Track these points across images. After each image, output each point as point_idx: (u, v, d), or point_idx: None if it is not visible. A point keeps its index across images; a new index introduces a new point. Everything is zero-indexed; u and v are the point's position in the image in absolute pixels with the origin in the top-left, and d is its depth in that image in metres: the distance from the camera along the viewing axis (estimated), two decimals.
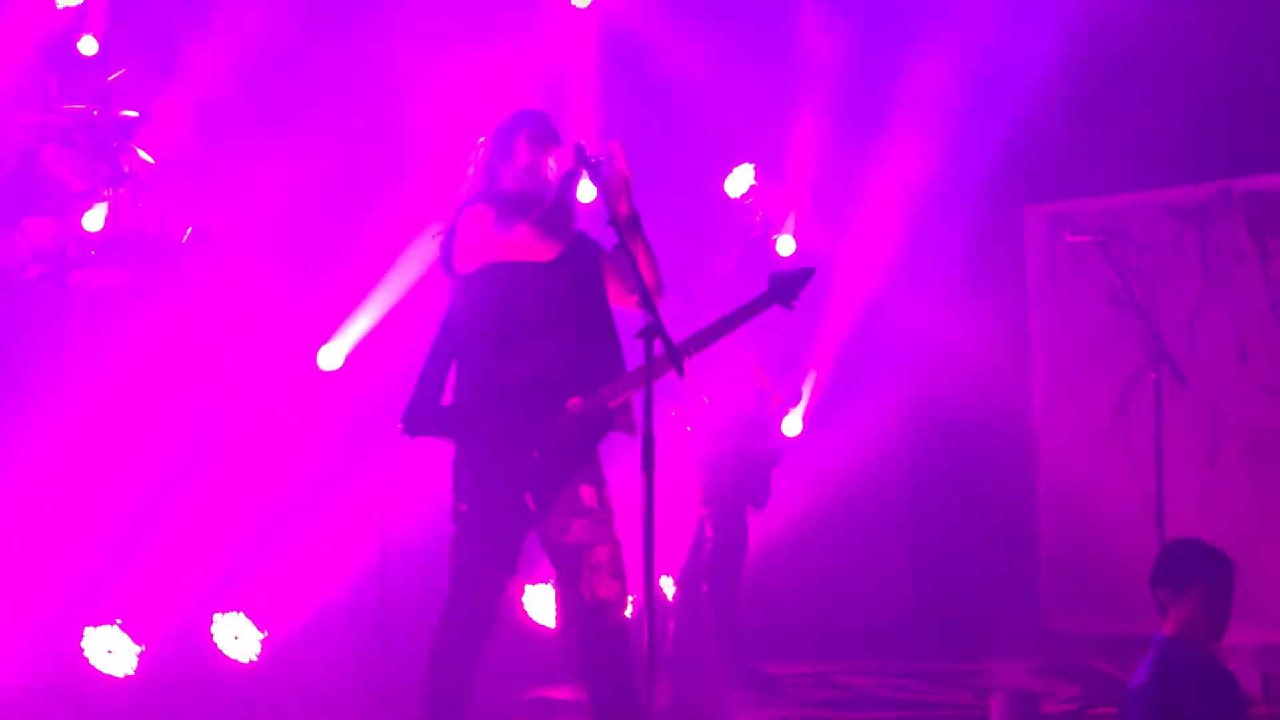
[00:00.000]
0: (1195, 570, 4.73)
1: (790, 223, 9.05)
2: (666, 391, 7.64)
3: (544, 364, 5.20)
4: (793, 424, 9.19)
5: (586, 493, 5.24)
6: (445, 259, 5.35)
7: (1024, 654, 7.94)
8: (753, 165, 8.86)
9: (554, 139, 5.42)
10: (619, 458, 5.57)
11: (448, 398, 5.30)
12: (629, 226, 5.19)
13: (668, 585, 8.69)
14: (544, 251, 5.19)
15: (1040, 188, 9.21)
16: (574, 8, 8.69)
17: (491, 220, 5.20)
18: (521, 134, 5.42)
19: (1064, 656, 7.99)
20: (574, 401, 5.19)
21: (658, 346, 4.83)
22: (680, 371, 4.89)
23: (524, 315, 5.21)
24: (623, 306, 5.44)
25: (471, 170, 5.47)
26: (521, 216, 5.18)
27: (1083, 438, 8.98)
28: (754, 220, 8.98)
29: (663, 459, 7.57)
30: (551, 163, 5.35)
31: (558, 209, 5.20)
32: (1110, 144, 8.96)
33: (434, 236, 5.46)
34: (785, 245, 9.05)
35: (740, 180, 8.80)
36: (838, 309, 9.23)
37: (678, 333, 5.18)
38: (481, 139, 5.50)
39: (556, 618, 5.19)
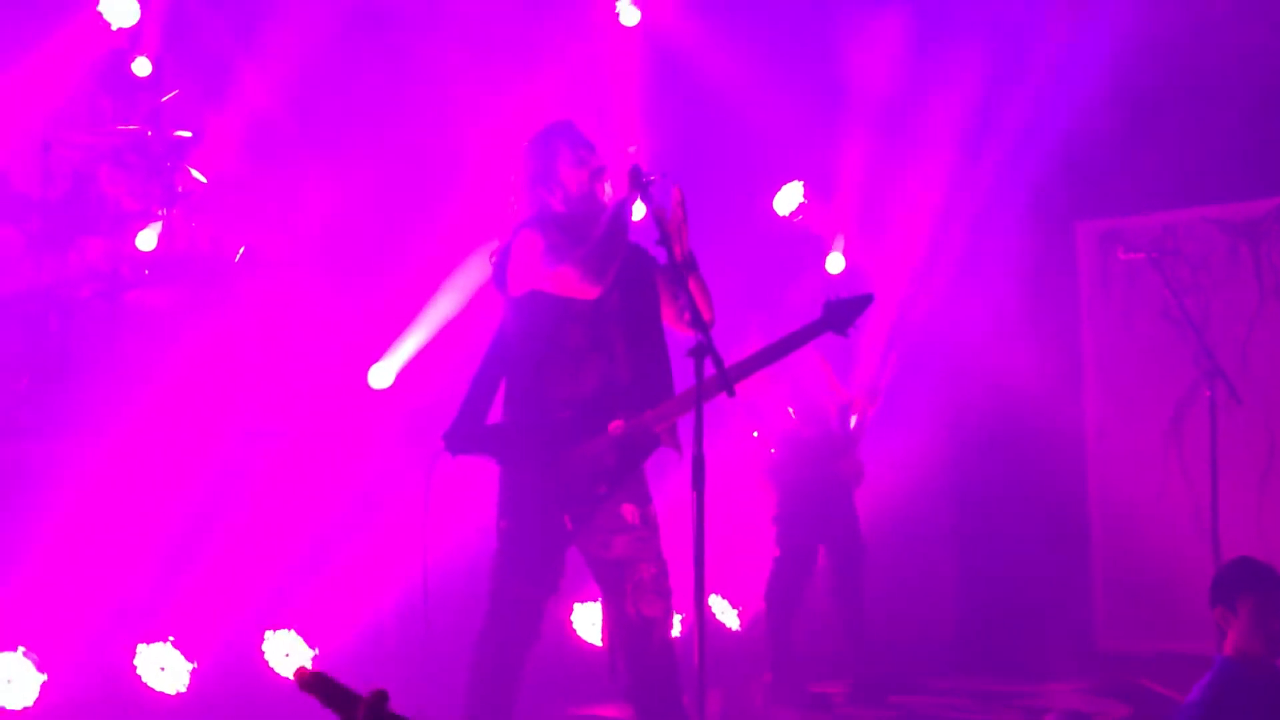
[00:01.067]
0: (1245, 586, 4.71)
1: (840, 241, 9.04)
2: (745, 409, 7.62)
3: (586, 386, 5.21)
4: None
5: (628, 510, 5.25)
6: (499, 279, 5.39)
7: (1076, 674, 7.88)
8: (801, 183, 8.87)
9: (590, 146, 5.43)
10: (670, 475, 5.57)
11: (493, 417, 5.32)
12: (685, 265, 5.18)
13: (717, 604, 8.68)
14: (587, 291, 5.22)
15: (1092, 204, 9.15)
16: (622, 26, 8.71)
17: (540, 252, 5.23)
18: (560, 147, 5.42)
19: (1116, 677, 7.92)
20: (615, 424, 5.20)
21: (708, 367, 4.84)
22: (730, 392, 4.88)
23: (570, 339, 5.24)
24: (675, 328, 5.43)
25: (515, 190, 5.49)
26: (567, 255, 5.19)
27: (1136, 455, 8.90)
28: (804, 238, 8.99)
29: (732, 476, 7.61)
30: (608, 188, 5.35)
31: (606, 249, 5.20)
32: (1163, 159, 8.90)
33: (489, 256, 5.49)
34: (834, 263, 9.04)
35: (789, 198, 8.80)
36: (889, 326, 9.19)
37: (735, 353, 5.19)
38: (515, 153, 5.52)
39: (602, 635, 5.17)
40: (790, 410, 7.66)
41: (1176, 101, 8.89)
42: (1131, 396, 8.98)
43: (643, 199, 5.13)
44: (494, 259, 5.43)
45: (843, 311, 5.32)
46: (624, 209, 5.25)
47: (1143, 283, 8.70)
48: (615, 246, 5.21)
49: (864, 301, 5.32)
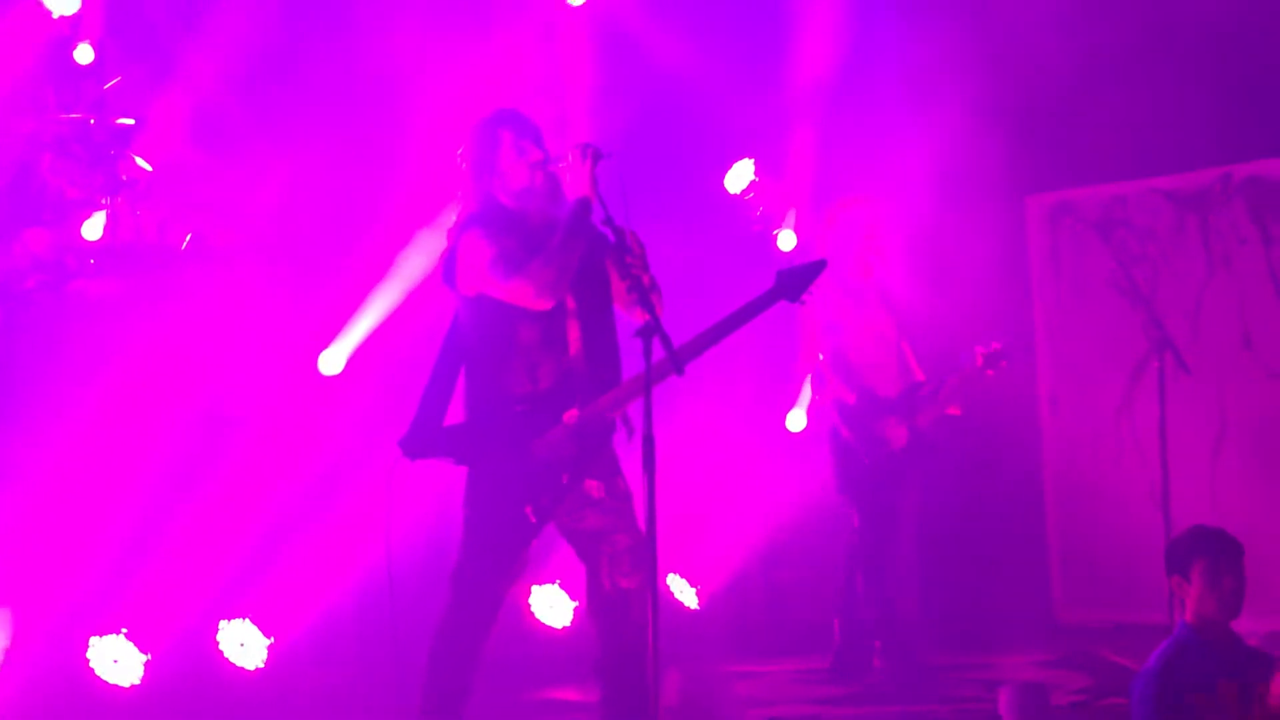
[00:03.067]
0: (1196, 551, 4.77)
1: (791, 218, 9.03)
2: (815, 379, 7.46)
3: (544, 382, 5.21)
4: (798, 419, 9.16)
5: (592, 485, 5.26)
6: (448, 277, 5.34)
7: (1033, 646, 7.91)
8: (752, 160, 8.85)
9: (535, 137, 5.38)
10: (621, 457, 5.54)
11: (450, 418, 5.31)
12: (643, 284, 5.12)
13: (675, 583, 8.68)
14: (540, 305, 5.18)
15: (1042, 176, 9.17)
16: (568, 5, 8.66)
17: (489, 261, 5.17)
18: (503, 137, 5.36)
19: (1074, 647, 7.96)
20: (570, 414, 5.20)
21: (657, 347, 4.83)
22: (679, 371, 4.88)
23: (526, 336, 5.21)
24: (623, 310, 5.40)
25: (460, 179, 5.42)
26: (519, 269, 5.13)
27: (1088, 427, 8.95)
28: (754, 216, 8.97)
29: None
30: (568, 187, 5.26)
31: (561, 261, 5.14)
32: (1111, 131, 8.92)
33: (440, 254, 5.43)
34: (786, 240, 9.04)
35: (740, 176, 8.78)
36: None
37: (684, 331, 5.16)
38: (460, 149, 5.46)
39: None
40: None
41: (1123, 73, 8.91)
42: (1083, 369, 9.01)
43: (592, 175, 5.11)
44: (441, 257, 5.38)
45: (795, 279, 5.31)
46: (581, 215, 5.18)
47: (1092, 255, 8.73)
48: (570, 258, 5.15)
49: (816, 268, 5.31)
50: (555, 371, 5.22)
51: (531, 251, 5.18)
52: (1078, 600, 8.94)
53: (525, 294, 5.15)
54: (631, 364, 5.26)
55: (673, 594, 8.59)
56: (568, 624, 8.08)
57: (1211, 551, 4.76)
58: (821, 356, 7.48)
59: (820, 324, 7.42)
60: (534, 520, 5.17)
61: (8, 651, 6.40)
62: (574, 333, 5.27)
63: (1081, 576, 8.94)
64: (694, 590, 8.74)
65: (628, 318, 5.35)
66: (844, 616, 7.62)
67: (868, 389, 7.39)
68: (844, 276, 7.49)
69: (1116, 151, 8.92)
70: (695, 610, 8.71)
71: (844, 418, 7.40)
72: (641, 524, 4.96)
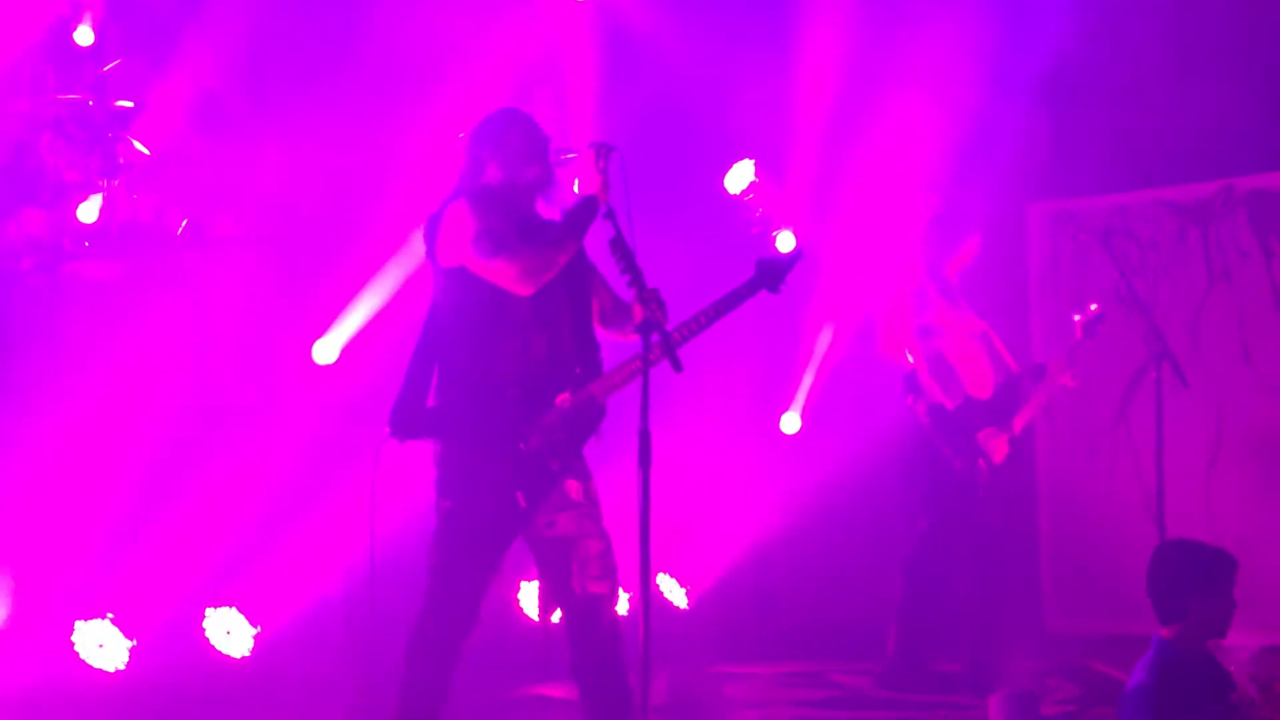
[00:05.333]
0: (1223, 572, 4.71)
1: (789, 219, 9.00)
2: (905, 379, 7.32)
3: (531, 360, 5.14)
4: (791, 422, 9.14)
5: (572, 487, 5.19)
6: (429, 249, 5.27)
7: (1024, 654, 7.88)
8: (753, 161, 8.82)
9: (545, 136, 5.34)
10: (615, 452, 5.51)
11: (435, 398, 5.24)
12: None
13: (665, 583, 8.66)
14: (520, 290, 5.10)
15: (1043, 185, 9.15)
16: (571, 2, 8.65)
17: (472, 236, 5.08)
18: (513, 127, 5.32)
19: (1064, 657, 7.94)
20: (563, 397, 5.14)
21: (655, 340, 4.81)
22: (677, 367, 4.84)
23: (510, 310, 5.13)
24: (603, 326, 5.38)
25: (460, 159, 5.39)
26: (505, 247, 5.06)
27: (1084, 436, 8.92)
28: (754, 216, 8.94)
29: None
30: (576, 185, 5.23)
31: (554, 253, 5.09)
32: (1113, 141, 8.92)
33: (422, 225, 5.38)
34: (785, 241, 9.01)
35: (740, 176, 8.75)
36: (837, 306, 9.18)
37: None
38: (462, 134, 5.42)
39: (540, 613, 5.13)
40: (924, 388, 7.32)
41: (1127, 84, 8.90)
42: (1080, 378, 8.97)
43: (604, 174, 5.09)
44: (425, 227, 5.31)
45: (774, 269, 5.32)
46: (585, 213, 5.13)
47: (1092, 263, 8.71)
48: (561, 252, 5.11)
49: (794, 258, 5.32)
50: (545, 351, 5.14)
51: (518, 232, 5.12)
52: (1068, 609, 8.91)
53: (507, 275, 5.07)
54: (614, 358, 5.24)
55: (662, 594, 8.57)
56: (556, 620, 8.05)
57: (1230, 572, 4.71)
58: (911, 360, 7.30)
59: (914, 327, 7.25)
60: (524, 506, 5.10)
61: (6, 618, 6.38)
62: (565, 310, 5.22)
63: (1073, 586, 8.91)
64: (684, 590, 8.72)
65: (605, 328, 5.36)
66: (900, 624, 7.41)
67: (966, 393, 7.24)
68: (939, 278, 7.34)
69: (1119, 161, 8.90)
70: (685, 610, 8.68)
71: (939, 424, 7.18)
72: (632, 523, 4.91)
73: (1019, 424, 7.26)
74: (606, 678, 5.18)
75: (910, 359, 7.29)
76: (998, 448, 7.17)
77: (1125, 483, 8.66)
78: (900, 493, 7.64)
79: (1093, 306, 7.22)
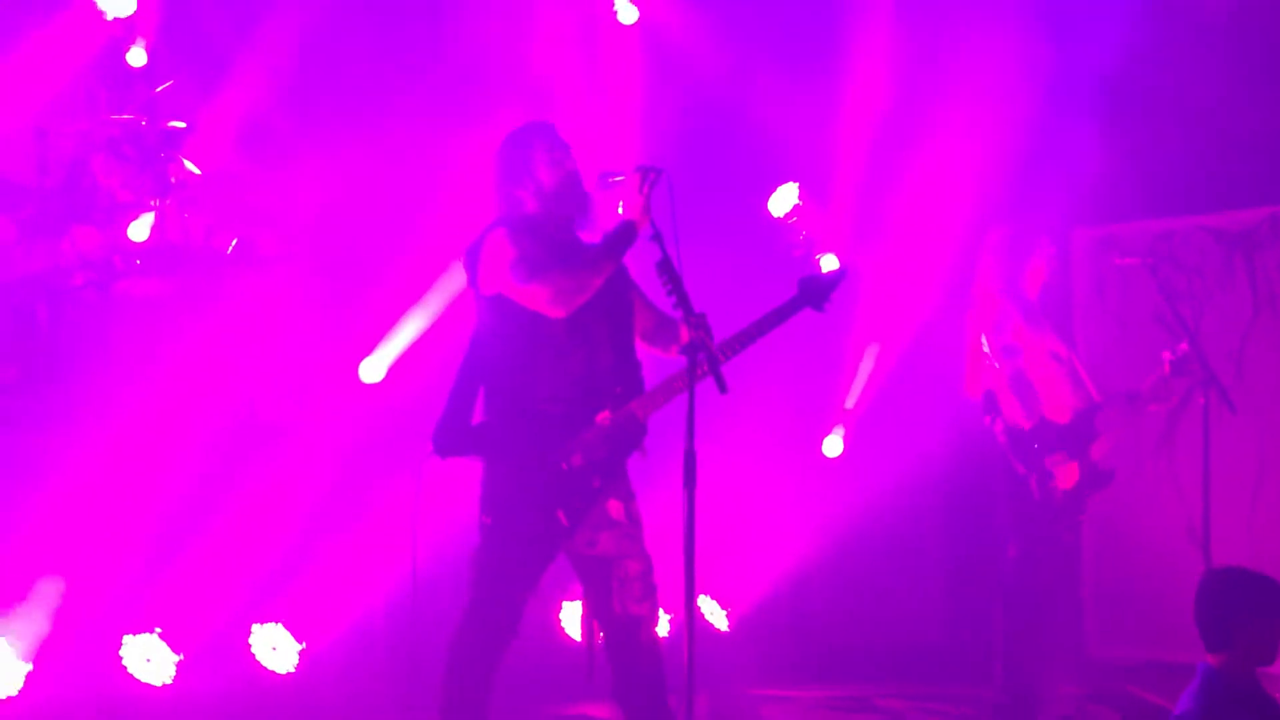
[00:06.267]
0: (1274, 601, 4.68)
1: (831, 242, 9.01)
2: (985, 398, 7.20)
3: (571, 379, 5.18)
4: (834, 445, 9.14)
5: (614, 506, 5.23)
6: (471, 277, 5.34)
7: (1066, 682, 7.85)
8: (797, 184, 8.84)
9: (566, 147, 5.39)
10: (660, 472, 5.54)
11: (478, 416, 5.29)
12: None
13: (706, 605, 8.66)
14: (554, 313, 5.15)
15: (1088, 210, 9.14)
16: (620, 24, 8.70)
17: (510, 262, 5.15)
18: (537, 145, 5.37)
19: (1107, 684, 7.91)
20: (603, 415, 5.18)
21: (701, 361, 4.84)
22: (723, 388, 4.87)
23: (551, 333, 5.18)
24: (645, 343, 5.42)
25: (491, 186, 5.43)
26: (539, 271, 5.12)
27: (1128, 463, 8.88)
28: (798, 239, 8.95)
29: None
30: (621, 207, 5.27)
31: (588, 277, 5.14)
32: (1159, 167, 8.89)
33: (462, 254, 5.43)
34: (829, 264, 9.02)
35: (784, 199, 8.77)
36: (881, 331, 9.18)
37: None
38: (492, 156, 5.47)
39: (581, 633, 5.12)
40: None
41: (1173, 109, 8.88)
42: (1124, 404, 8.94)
43: (647, 199, 5.12)
44: (465, 257, 5.38)
45: (818, 287, 5.34)
46: (624, 238, 5.17)
47: (1137, 290, 8.68)
48: (596, 276, 5.15)
49: (838, 277, 5.33)
50: (582, 368, 5.19)
51: (554, 257, 5.18)
52: (1111, 637, 8.87)
53: (540, 299, 5.13)
54: (654, 376, 5.28)
55: (703, 616, 8.57)
56: (598, 640, 8.06)
57: (1278, 600, 4.69)
58: (998, 368, 7.10)
59: (996, 347, 7.09)
60: (565, 524, 5.15)
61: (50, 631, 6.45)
62: (603, 327, 5.26)
63: (1116, 613, 8.87)
64: (725, 612, 8.72)
65: (648, 345, 5.39)
66: (1007, 657, 7.11)
67: (1044, 415, 7.11)
68: (1018, 297, 7.18)
69: (1165, 187, 8.88)
70: (725, 632, 8.68)
71: (1015, 446, 7.03)
72: (675, 543, 4.93)
73: (1097, 452, 7.12)
74: (647, 699, 5.21)
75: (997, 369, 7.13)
76: (1067, 474, 7.01)
77: (1169, 509, 8.62)
78: (971, 517, 7.55)
79: (1183, 346, 7.12)
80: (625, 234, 5.17)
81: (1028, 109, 8.78)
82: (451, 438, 5.27)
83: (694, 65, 8.98)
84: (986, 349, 7.09)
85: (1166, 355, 7.09)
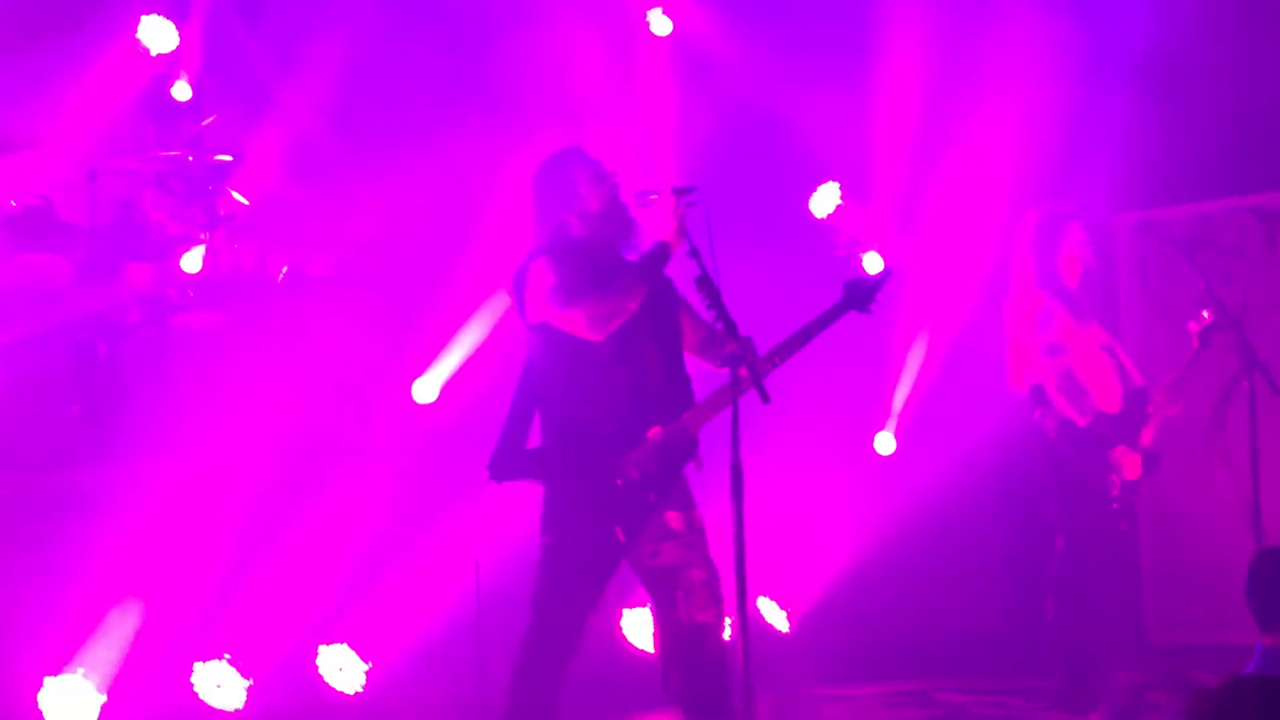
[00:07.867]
0: None
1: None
2: (1032, 392, 7.17)
3: (621, 398, 5.26)
4: (886, 443, 9.17)
5: (673, 517, 5.31)
6: (518, 306, 5.43)
7: (1127, 669, 7.86)
8: (838, 184, 8.88)
9: (606, 170, 5.44)
10: (711, 481, 5.61)
11: (533, 442, 5.39)
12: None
13: (766, 606, 8.70)
14: (592, 337, 5.24)
15: (1128, 195, 9.13)
16: (654, 36, 8.77)
17: (550, 289, 5.23)
18: (576, 167, 5.43)
19: (1168, 670, 7.91)
20: (654, 431, 5.25)
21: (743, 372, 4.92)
22: (765, 399, 4.94)
23: (595, 353, 5.26)
24: (696, 355, 5.50)
25: (532, 211, 5.49)
26: (576, 298, 5.19)
27: (1178, 448, 8.87)
28: (840, 239, 9.00)
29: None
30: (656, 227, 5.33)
31: (622, 299, 5.21)
32: (1199, 149, 8.87)
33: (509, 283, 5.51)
34: (872, 263, 9.06)
35: (825, 200, 8.81)
36: (928, 325, 9.20)
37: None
38: (526, 180, 5.54)
39: (655, 644, 5.21)
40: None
41: (1212, 90, 8.86)
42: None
43: (681, 220, 5.19)
44: (511, 285, 5.47)
45: (862, 290, 5.41)
46: (657, 260, 5.25)
47: (1181, 275, 8.68)
48: (630, 299, 5.23)
49: (883, 279, 5.38)
50: (630, 386, 5.27)
51: (593, 281, 5.26)
52: (1171, 621, 8.87)
53: (578, 323, 5.22)
54: (703, 388, 5.36)
55: (763, 618, 8.62)
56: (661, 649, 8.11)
57: None
58: (1044, 364, 7.07)
59: (1040, 345, 7.05)
60: (623, 539, 5.23)
61: (124, 653, 6.56)
62: (650, 345, 5.34)
63: (1174, 598, 8.88)
64: (784, 613, 8.76)
65: (699, 357, 5.46)
66: (1060, 648, 7.18)
67: (1097, 409, 7.09)
68: (1059, 290, 7.13)
69: (1205, 169, 8.85)
70: (786, 633, 8.73)
71: (1071, 440, 7.02)
72: (729, 552, 5.01)
73: (1147, 437, 7.15)
74: (712, 706, 5.28)
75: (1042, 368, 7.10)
76: (1131, 464, 7.04)
77: (1221, 493, 8.61)
78: (1025, 509, 7.50)
79: (1205, 314, 7.11)
80: (659, 255, 5.25)
81: (1063, 94, 8.78)
82: (507, 463, 5.37)
83: (729, 73, 9.03)
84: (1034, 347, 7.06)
85: (1193, 326, 7.10)
